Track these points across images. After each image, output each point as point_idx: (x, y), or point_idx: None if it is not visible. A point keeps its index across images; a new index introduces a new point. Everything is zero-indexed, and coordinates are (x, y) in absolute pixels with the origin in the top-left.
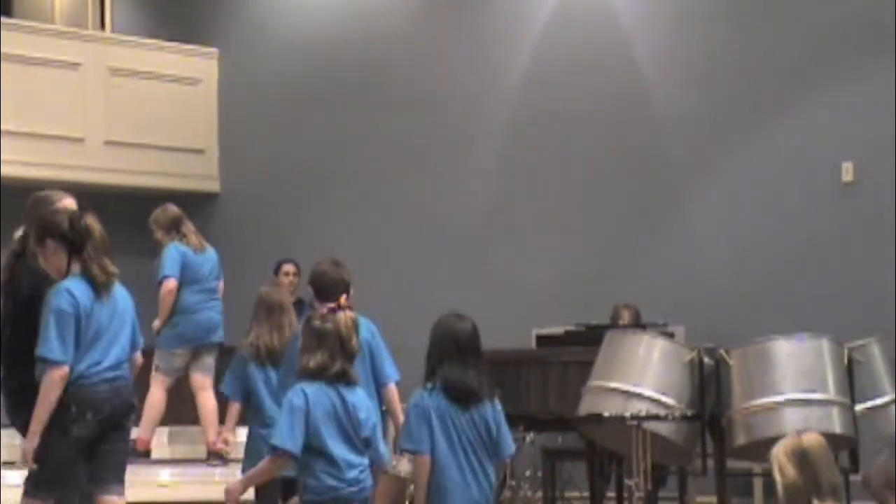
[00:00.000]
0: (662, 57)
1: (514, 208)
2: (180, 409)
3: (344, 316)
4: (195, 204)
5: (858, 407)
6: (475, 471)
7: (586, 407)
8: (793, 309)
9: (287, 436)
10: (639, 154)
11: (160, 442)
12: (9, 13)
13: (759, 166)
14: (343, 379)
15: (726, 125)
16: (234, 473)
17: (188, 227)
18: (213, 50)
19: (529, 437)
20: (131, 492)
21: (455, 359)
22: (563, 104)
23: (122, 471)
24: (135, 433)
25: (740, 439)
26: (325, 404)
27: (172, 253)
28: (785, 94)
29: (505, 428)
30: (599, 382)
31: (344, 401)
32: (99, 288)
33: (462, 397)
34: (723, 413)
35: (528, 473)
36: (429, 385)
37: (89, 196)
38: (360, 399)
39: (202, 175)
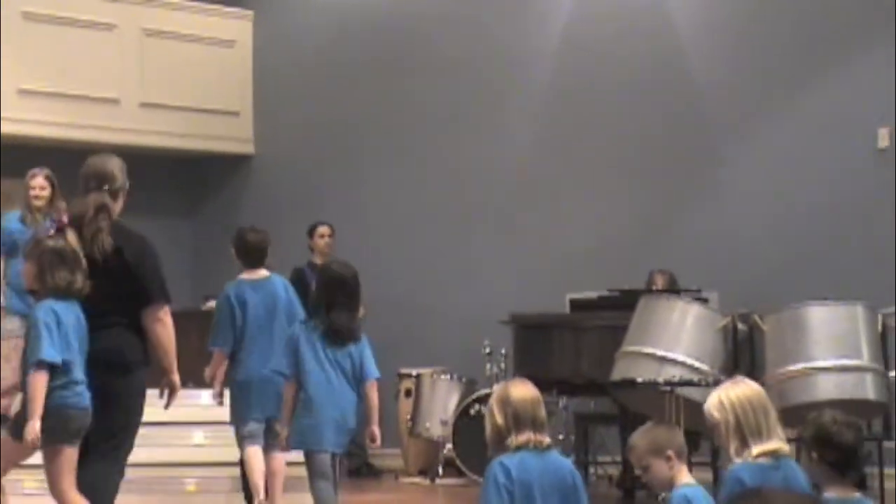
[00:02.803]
0: (700, 21)
1: (548, 173)
2: None
3: (72, 235)
4: (230, 166)
5: (892, 373)
6: (342, 389)
7: (620, 372)
8: (827, 275)
9: (50, 349)
10: (674, 119)
11: None
12: None
13: (795, 132)
14: (82, 294)
15: (763, 90)
16: None
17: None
18: (249, 12)
19: (562, 401)
20: None
21: (343, 305)
22: (600, 68)
23: None
24: None
25: (773, 405)
26: (72, 320)
27: None
28: (822, 60)
29: (367, 358)
30: (633, 348)
31: (79, 317)
32: None
33: (343, 338)
34: (756, 379)
35: (560, 437)
36: (308, 322)
37: (124, 158)
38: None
39: (237, 137)
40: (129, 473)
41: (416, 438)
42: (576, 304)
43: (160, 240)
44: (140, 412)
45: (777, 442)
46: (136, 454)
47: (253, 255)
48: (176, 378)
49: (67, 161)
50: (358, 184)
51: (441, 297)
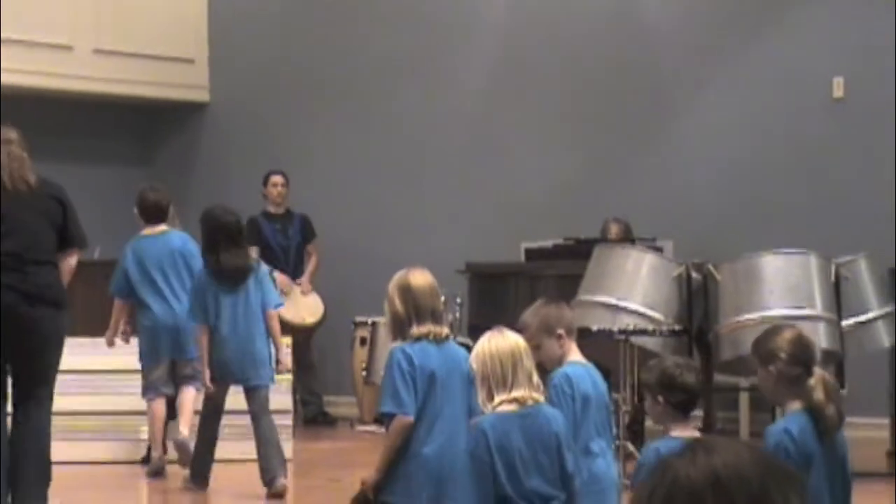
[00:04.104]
0: None
1: (503, 121)
2: None
3: None
4: (184, 114)
5: (845, 322)
6: (246, 328)
7: (575, 320)
8: (781, 224)
9: None
10: (629, 68)
11: None
12: None
13: (750, 81)
14: None
15: (717, 39)
16: None
17: None
18: None
19: None
20: None
21: (227, 247)
22: (554, 17)
23: None
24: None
25: (727, 354)
26: None
27: None
28: (776, 9)
29: (267, 289)
30: (588, 296)
31: None
32: None
33: (235, 278)
34: (710, 328)
35: None
36: (205, 269)
37: (77, 105)
38: None
39: (191, 85)
40: (79, 421)
41: (371, 387)
42: (531, 254)
43: (114, 187)
44: None
45: (523, 391)
46: (85, 402)
47: (151, 212)
48: None
49: (20, 108)
50: (313, 133)
51: (396, 246)
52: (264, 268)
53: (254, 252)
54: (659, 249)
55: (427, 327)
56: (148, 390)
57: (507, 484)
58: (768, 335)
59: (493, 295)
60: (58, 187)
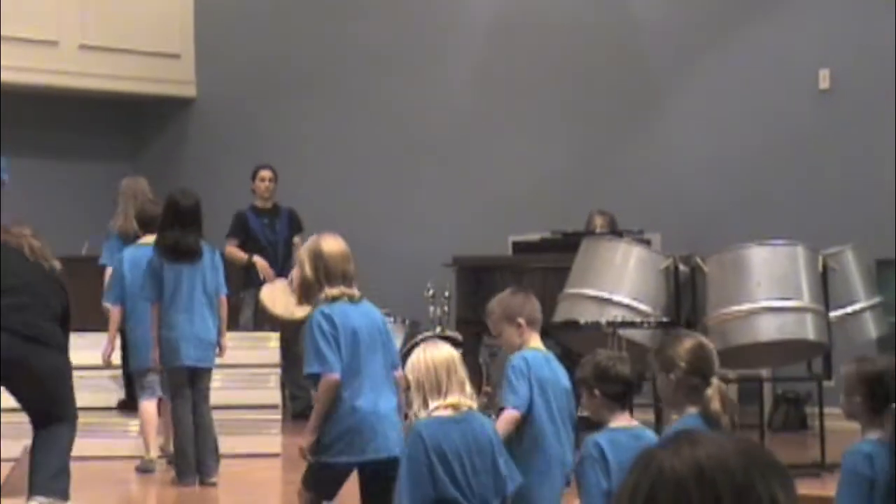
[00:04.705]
0: None
1: (491, 114)
2: None
3: None
4: (171, 109)
5: (832, 313)
6: (199, 311)
7: (562, 313)
8: (768, 216)
9: None
10: (617, 60)
11: None
12: None
13: (737, 73)
14: None
15: (704, 30)
16: None
17: None
18: None
19: None
20: None
21: (174, 226)
22: (542, 9)
23: None
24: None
25: (715, 346)
26: None
27: None
28: (762, 1)
29: (217, 274)
30: (575, 289)
31: None
32: None
33: (177, 256)
34: (698, 320)
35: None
36: (156, 248)
37: (63, 101)
38: None
39: (178, 80)
40: None
41: None
42: (518, 247)
43: (101, 183)
44: None
45: (457, 397)
46: (78, 398)
47: (151, 223)
48: None
49: (5, 104)
50: (300, 127)
51: (384, 240)
52: (218, 254)
53: (232, 243)
54: (647, 242)
55: (339, 289)
56: (144, 392)
57: (449, 485)
58: (669, 343)
59: (481, 288)
60: (66, 288)
